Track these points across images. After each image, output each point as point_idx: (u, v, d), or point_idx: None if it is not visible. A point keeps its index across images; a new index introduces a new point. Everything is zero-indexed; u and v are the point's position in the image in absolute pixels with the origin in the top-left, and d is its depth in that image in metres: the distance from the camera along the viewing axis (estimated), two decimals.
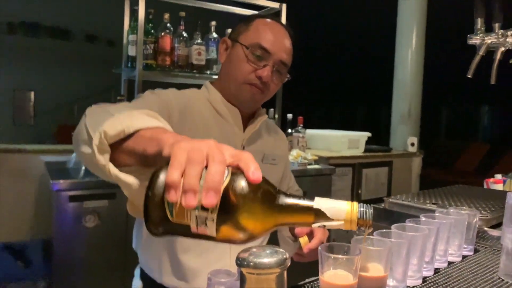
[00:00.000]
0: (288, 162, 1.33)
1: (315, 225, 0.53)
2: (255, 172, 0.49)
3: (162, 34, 2.24)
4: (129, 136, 0.61)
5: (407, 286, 0.75)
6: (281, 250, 0.54)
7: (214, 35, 2.37)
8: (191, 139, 0.53)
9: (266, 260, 0.52)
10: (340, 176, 3.06)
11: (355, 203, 0.53)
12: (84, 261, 1.96)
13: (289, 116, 2.89)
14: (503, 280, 0.81)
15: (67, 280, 1.92)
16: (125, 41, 2.36)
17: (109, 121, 0.61)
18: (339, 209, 0.52)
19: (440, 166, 6.81)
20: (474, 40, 1.14)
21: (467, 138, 8.61)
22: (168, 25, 2.26)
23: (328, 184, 2.75)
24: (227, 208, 0.48)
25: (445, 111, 9.64)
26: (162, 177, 0.49)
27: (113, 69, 2.52)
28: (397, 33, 3.90)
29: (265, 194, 0.51)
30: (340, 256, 0.65)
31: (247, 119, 1.15)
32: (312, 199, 0.53)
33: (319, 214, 0.52)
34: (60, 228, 1.92)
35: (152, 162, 0.57)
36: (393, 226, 0.77)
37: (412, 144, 3.69)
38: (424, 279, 0.80)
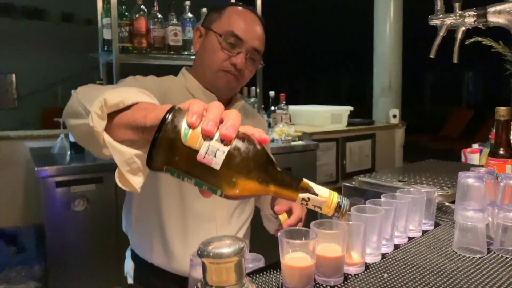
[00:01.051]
0: (267, 144, 1.38)
1: (301, 195, 0.58)
2: (263, 135, 0.56)
3: (137, 16, 2.22)
4: (126, 108, 0.63)
5: (366, 263, 0.81)
6: (239, 239, 0.59)
7: (189, 15, 2.35)
8: None
9: (224, 250, 0.56)
10: (324, 151, 3.12)
11: (336, 193, 0.60)
12: (77, 245, 2.01)
13: (271, 93, 2.92)
14: (456, 253, 0.87)
15: (62, 264, 1.97)
16: (99, 24, 2.33)
17: (108, 92, 0.64)
18: (324, 190, 0.59)
19: (426, 132, 6.93)
20: (435, 21, 1.16)
21: (452, 103, 8.71)
22: (142, 6, 2.23)
23: (313, 159, 2.81)
24: (236, 153, 0.53)
25: (429, 77, 9.68)
26: (182, 109, 0.55)
27: (90, 53, 2.50)
28: (374, 6, 3.89)
29: (268, 157, 0.56)
30: (297, 240, 0.70)
31: (225, 105, 1.19)
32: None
33: (307, 187, 0.58)
34: (50, 213, 1.96)
35: (149, 132, 0.59)
36: (352, 208, 0.82)
37: (394, 116, 3.75)
38: (384, 255, 0.86)
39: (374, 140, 3.56)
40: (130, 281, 1.25)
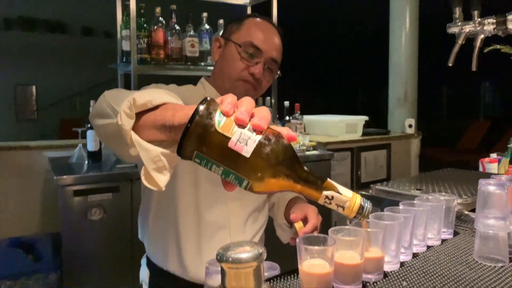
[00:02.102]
0: None
1: (325, 193, 0.59)
2: (291, 132, 0.58)
3: (155, 28, 2.26)
4: (154, 109, 0.66)
5: (385, 271, 0.80)
6: (258, 245, 0.59)
7: (206, 26, 2.39)
8: None
9: (243, 255, 0.56)
10: (339, 161, 3.10)
11: (359, 195, 0.61)
12: (93, 253, 2.02)
13: (286, 103, 2.93)
14: (477, 261, 0.85)
15: (77, 272, 1.99)
16: (119, 36, 2.39)
17: (136, 93, 0.66)
18: (347, 191, 0.60)
19: (442, 145, 6.84)
20: (453, 29, 1.16)
21: (469, 116, 8.59)
22: (160, 18, 2.28)
23: (328, 169, 2.79)
24: (266, 143, 0.54)
25: (445, 90, 9.58)
26: (215, 99, 0.57)
27: (109, 64, 2.55)
28: (390, 17, 3.88)
29: (295, 153, 0.57)
30: (315, 247, 0.70)
31: None
32: None
33: (331, 187, 0.59)
34: (67, 222, 1.98)
35: (176, 131, 0.61)
36: (370, 215, 0.82)
37: (410, 126, 3.72)
38: (402, 263, 0.85)
39: (390, 150, 3.52)
40: None
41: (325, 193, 0.59)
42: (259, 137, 0.54)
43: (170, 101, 0.66)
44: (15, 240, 2.39)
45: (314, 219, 1.09)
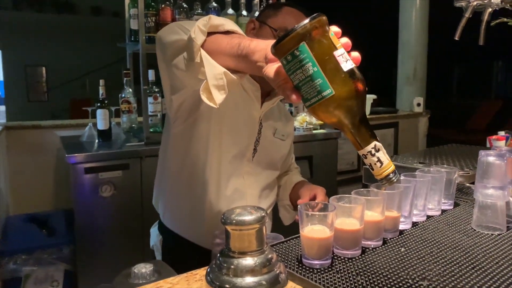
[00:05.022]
0: (292, 141, 1.42)
1: (375, 143, 0.62)
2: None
3: (163, 6, 2.26)
4: (225, 33, 0.72)
5: (384, 238, 0.83)
6: (261, 208, 0.62)
7: (214, 4, 2.37)
8: None
9: (246, 217, 0.60)
10: (346, 140, 3.10)
11: (394, 165, 0.65)
12: (104, 228, 2.08)
13: None
14: (475, 230, 0.88)
15: (90, 246, 2.05)
16: (127, 15, 2.39)
17: (211, 15, 0.73)
18: (387, 156, 0.64)
19: (451, 125, 6.78)
20: (460, 2, 1.15)
21: (480, 95, 8.45)
22: None
23: (334, 148, 2.81)
24: (359, 72, 0.59)
25: (457, 69, 9.41)
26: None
27: (118, 43, 2.57)
28: None
29: (366, 102, 0.63)
30: (316, 213, 0.73)
31: (264, 97, 1.23)
32: None
33: (380, 142, 0.63)
34: (79, 198, 2.03)
35: (244, 58, 0.66)
36: (372, 185, 0.84)
37: (418, 105, 3.69)
38: (401, 232, 0.87)
39: (397, 129, 3.52)
40: (157, 253, 1.31)
41: (375, 142, 0.62)
42: (354, 67, 0.59)
43: (239, 31, 0.72)
44: (29, 216, 2.46)
45: (322, 196, 1.15)
